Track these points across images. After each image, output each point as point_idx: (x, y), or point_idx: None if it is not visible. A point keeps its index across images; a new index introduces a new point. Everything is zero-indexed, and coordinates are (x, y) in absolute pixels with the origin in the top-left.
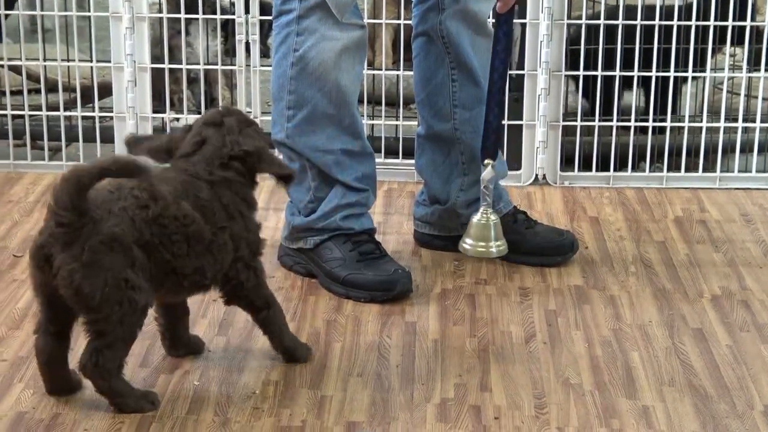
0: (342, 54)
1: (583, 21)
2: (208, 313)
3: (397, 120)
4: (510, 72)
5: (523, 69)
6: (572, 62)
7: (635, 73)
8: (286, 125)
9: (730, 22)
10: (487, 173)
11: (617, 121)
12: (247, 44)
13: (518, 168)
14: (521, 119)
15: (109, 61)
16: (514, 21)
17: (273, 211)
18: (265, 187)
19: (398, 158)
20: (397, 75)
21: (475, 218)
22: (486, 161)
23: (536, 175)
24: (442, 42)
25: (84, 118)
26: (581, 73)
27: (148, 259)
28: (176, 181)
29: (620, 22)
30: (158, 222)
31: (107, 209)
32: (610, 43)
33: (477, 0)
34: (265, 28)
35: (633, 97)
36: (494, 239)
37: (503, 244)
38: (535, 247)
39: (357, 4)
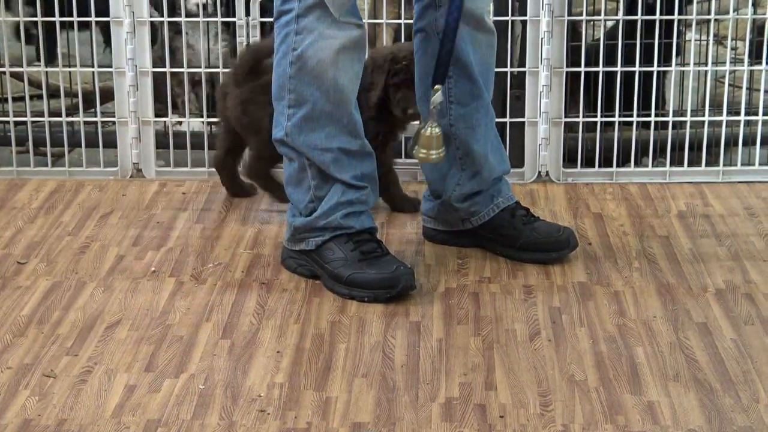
0: (340, 53)
1: (584, 18)
2: (213, 317)
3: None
4: (512, 69)
5: (524, 66)
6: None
7: (636, 68)
8: (286, 124)
9: (731, 15)
10: (436, 97)
11: (619, 116)
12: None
13: (521, 165)
14: (523, 117)
15: (111, 66)
16: (515, 18)
17: (276, 213)
18: None
19: (401, 158)
20: None
21: (423, 130)
22: (435, 87)
23: (539, 172)
24: (438, 38)
25: (86, 123)
26: (582, 69)
27: None
28: None
29: (621, 17)
30: None
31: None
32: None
33: None
34: (266, 30)
35: (634, 93)
36: (435, 147)
37: (443, 152)
38: (531, 242)
39: (356, 3)
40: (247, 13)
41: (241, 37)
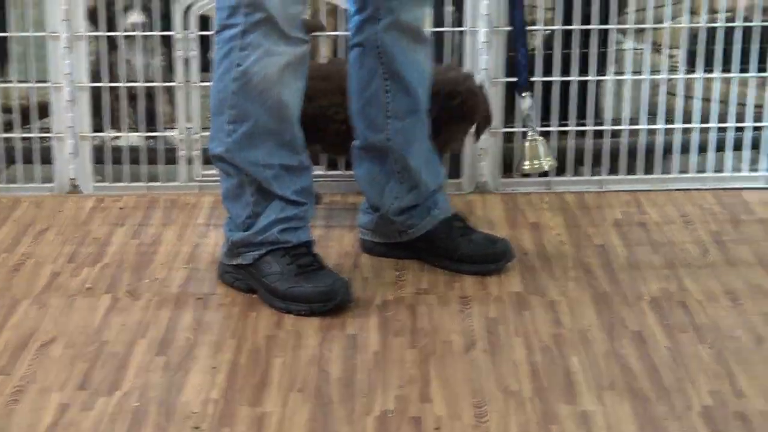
0: (285, 69)
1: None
2: (148, 333)
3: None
4: None
5: None
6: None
7: (573, 78)
8: (227, 140)
9: (667, 24)
10: (525, 103)
11: (557, 126)
12: (186, 60)
13: (459, 176)
14: None
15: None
16: (453, 30)
17: (213, 227)
18: (206, 203)
19: (339, 170)
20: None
21: (527, 143)
22: (523, 93)
23: (477, 182)
24: (377, 53)
25: (23, 139)
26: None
27: None
28: None
29: (557, 27)
30: None
31: None
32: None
33: (408, 10)
34: (206, 44)
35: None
36: (544, 156)
37: (552, 160)
38: (468, 254)
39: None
40: (185, 27)
41: (179, 50)
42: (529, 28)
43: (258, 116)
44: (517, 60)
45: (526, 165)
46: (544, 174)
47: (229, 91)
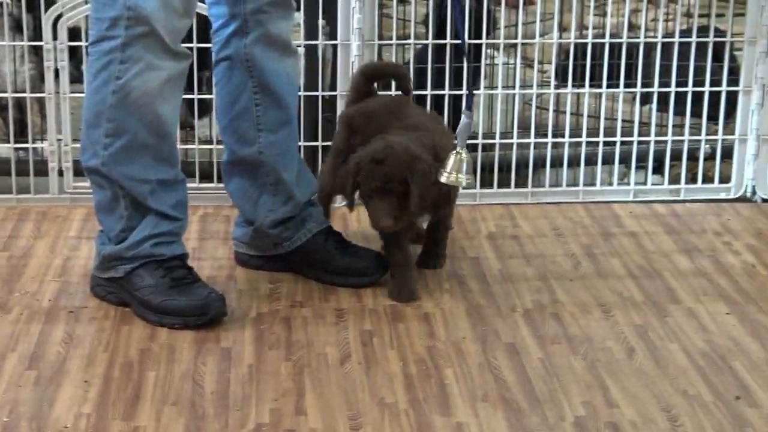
0: (166, 84)
1: (394, 42)
2: (19, 347)
3: (211, 144)
4: (323, 93)
5: (335, 90)
6: None
7: (446, 91)
8: (103, 153)
9: (537, 40)
10: (462, 123)
11: None
12: (57, 71)
13: None
14: None
15: None
16: (326, 43)
17: (85, 240)
18: (78, 215)
19: (213, 183)
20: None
21: (451, 156)
22: (465, 111)
23: None
24: (246, 66)
25: None
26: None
27: None
28: None
29: (430, 41)
30: None
31: None
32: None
33: (275, 22)
34: (78, 55)
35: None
36: (465, 172)
37: (471, 179)
38: (343, 267)
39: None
40: (55, 37)
41: (48, 61)
42: (401, 42)
43: (136, 130)
44: (468, 79)
45: (444, 175)
46: None
47: (107, 104)
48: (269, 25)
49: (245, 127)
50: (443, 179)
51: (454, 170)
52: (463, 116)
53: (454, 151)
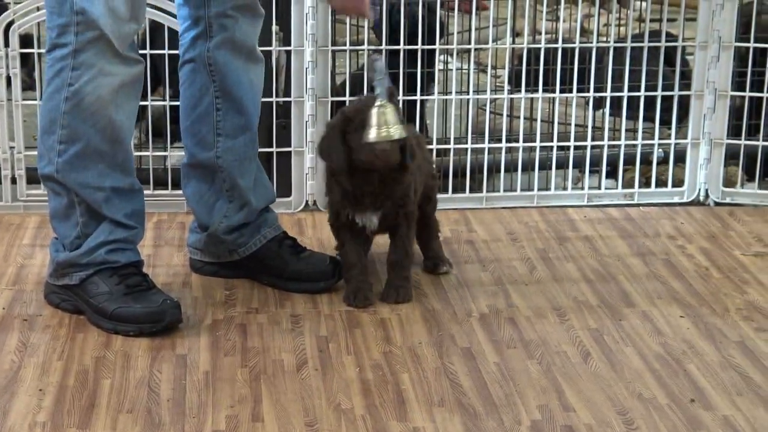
0: (119, 90)
1: (348, 48)
2: None
3: (165, 151)
4: (278, 99)
5: (290, 96)
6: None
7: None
8: (57, 160)
9: (491, 45)
10: (378, 65)
11: None
12: (8, 78)
13: (288, 195)
14: (290, 146)
15: None
16: (280, 48)
17: (39, 248)
18: (32, 223)
19: (167, 189)
20: (164, 105)
21: (374, 109)
22: (374, 56)
23: (306, 201)
24: (209, 70)
25: None
26: (347, 98)
27: None
28: None
29: (383, 47)
30: None
31: None
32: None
33: (241, 27)
34: (31, 62)
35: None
36: (394, 123)
37: (402, 128)
38: (297, 272)
39: (134, 39)
40: (6, 44)
41: (0, 68)
42: (354, 48)
43: (90, 137)
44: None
45: (372, 133)
46: None
47: (61, 111)
48: (234, 30)
49: (204, 131)
50: (372, 136)
51: (382, 124)
52: (372, 59)
53: (376, 105)
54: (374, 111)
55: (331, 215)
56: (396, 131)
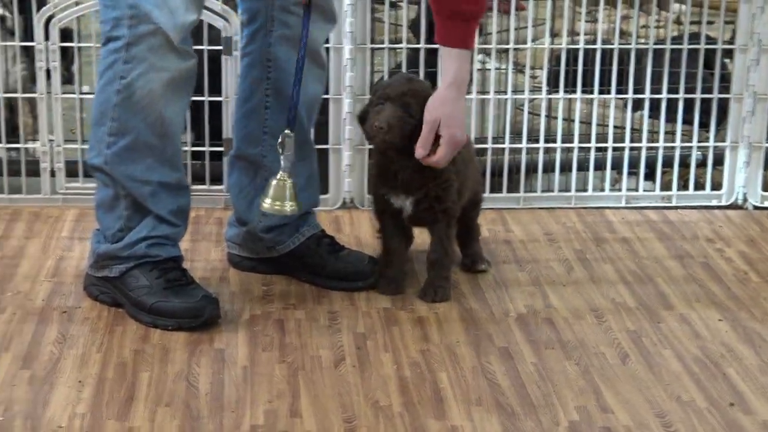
0: (170, 85)
1: (386, 46)
2: (12, 347)
3: (204, 146)
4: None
5: (328, 93)
6: None
7: None
8: (106, 151)
9: (529, 45)
10: (286, 142)
11: None
12: (48, 71)
13: (326, 192)
14: (327, 143)
15: None
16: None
17: (78, 240)
18: (70, 216)
19: (205, 185)
20: (203, 101)
21: (274, 181)
22: (286, 131)
23: (344, 199)
24: (266, 66)
25: None
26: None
27: None
28: None
29: (422, 46)
30: None
31: None
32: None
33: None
34: (70, 55)
35: None
36: (289, 199)
37: (296, 205)
38: (336, 271)
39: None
40: (46, 38)
41: (40, 62)
42: (393, 46)
43: (139, 130)
44: (291, 97)
45: (267, 203)
46: None
47: (112, 103)
48: (297, 28)
49: (252, 126)
50: (266, 206)
51: (277, 198)
52: (283, 134)
53: (276, 177)
54: (273, 183)
55: (371, 189)
56: (289, 207)
